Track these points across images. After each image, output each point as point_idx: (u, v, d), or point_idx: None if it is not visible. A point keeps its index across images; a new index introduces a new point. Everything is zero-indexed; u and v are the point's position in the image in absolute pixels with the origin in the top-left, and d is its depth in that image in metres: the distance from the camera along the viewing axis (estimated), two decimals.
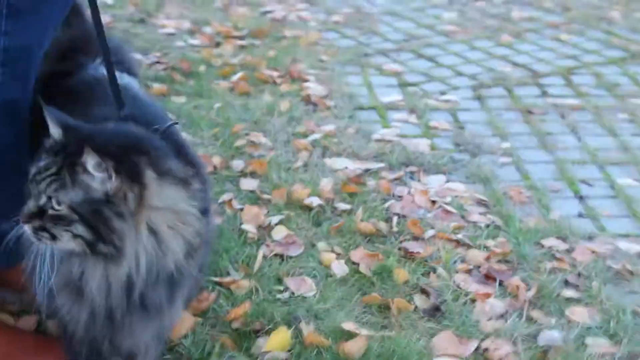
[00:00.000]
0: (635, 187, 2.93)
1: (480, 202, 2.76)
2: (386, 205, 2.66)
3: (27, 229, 1.45)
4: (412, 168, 2.93)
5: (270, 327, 2.05)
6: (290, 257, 2.35)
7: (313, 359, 1.96)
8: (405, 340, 2.05)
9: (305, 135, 3.05)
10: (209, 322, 2.03)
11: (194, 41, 3.92)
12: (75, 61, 1.93)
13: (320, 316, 2.11)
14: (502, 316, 2.22)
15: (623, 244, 2.57)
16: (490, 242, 2.52)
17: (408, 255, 2.40)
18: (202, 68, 3.55)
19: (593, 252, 2.52)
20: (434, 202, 2.73)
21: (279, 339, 2.00)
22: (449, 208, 2.69)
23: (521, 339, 2.13)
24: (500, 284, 2.34)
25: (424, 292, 2.26)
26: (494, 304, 2.25)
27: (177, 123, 1.68)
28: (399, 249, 2.44)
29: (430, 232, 2.52)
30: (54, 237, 1.44)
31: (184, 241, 1.52)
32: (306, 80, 3.53)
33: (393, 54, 4.05)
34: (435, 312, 2.19)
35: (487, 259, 2.43)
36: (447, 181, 2.89)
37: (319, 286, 2.23)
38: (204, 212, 1.58)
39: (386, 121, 3.30)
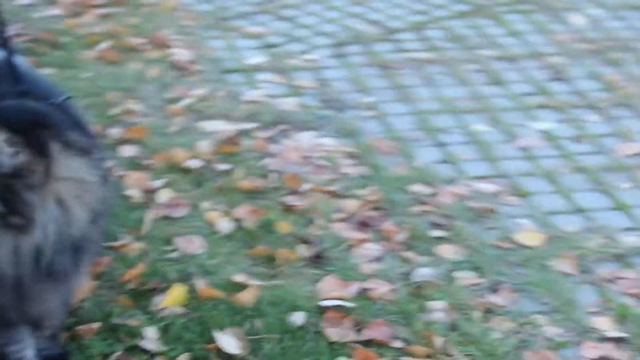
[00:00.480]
0: (488, 133, 3.18)
1: (349, 155, 2.94)
2: (263, 162, 2.79)
3: None
4: (283, 126, 3.08)
5: (164, 285, 2.17)
6: (177, 218, 2.46)
7: (209, 310, 2.07)
8: (293, 287, 2.19)
9: (177, 100, 3.15)
10: (106, 285, 2.12)
11: (53, 11, 3.91)
12: None
13: (211, 271, 2.24)
14: (378, 259, 2.41)
15: (481, 185, 2.82)
16: (362, 192, 2.70)
17: (288, 209, 2.55)
18: (66, 39, 3.56)
19: (455, 194, 2.73)
20: (307, 157, 2.88)
21: (174, 296, 2.12)
22: (321, 162, 2.86)
23: (397, 278, 2.31)
24: (375, 229, 2.52)
25: (305, 241, 2.42)
26: (371, 248, 2.44)
27: (70, 97, 1.77)
28: (279, 203, 2.58)
29: (306, 186, 2.68)
30: None
31: (88, 209, 1.62)
32: (171, 47, 3.60)
33: (252, 17, 4.17)
34: (318, 259, 2.36)
35: (360, 207, 2.61)
36: (318, 137, 3.04)
37: (206, 244, 2.34)
38: (103, 180, 1.68)
39: (253, 83, 3.43)
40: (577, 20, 4.20)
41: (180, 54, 3.53)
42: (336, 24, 4.14)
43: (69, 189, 1.54)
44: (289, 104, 3.24)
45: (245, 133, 2.96)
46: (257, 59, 3.64)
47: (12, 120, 1.49)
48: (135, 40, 3.60)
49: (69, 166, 1.54)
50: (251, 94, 3.28)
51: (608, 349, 2.11)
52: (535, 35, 4.08)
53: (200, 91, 3.22)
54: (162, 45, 3.60)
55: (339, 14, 4.23)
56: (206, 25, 3.97)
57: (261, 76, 3.50)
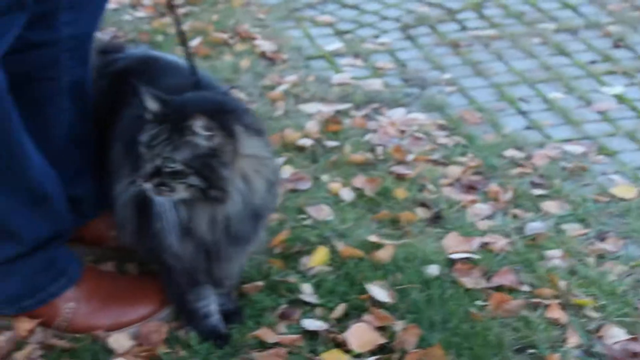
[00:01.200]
0: (564, 99, 3.41)
1: (441, 127, 3.17)
2: (366, 138, 3.03)
3: (148, 186, 1.77)
4: (375, 105, 3.31)
5: (307, 248, 2.40)
6: (303, 191, 2.70)
7: (353, 267, 2.31)
8: (421, 245, 2.43)
9: (273, 87, 3.38)
10: (257, 251, 2.36)
11: (139, 13, 4.15)
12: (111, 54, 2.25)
13: (345, 234, 2.48)
14: (490, 217, 2.64)
15: (569, 147, 3.04)
16: (462, 159, 2.93)
17: (400, 177, 2.79)
18: (160, 38, 3.80)
19: (547, 156, 2.96)
20: (403, 131, 3.12)
21: (319, 256, 2.36)
22: (418, 135, 3.09)
23: (511, 232, 2.55)
24: (481, 191, 2.75)
25: (423, 204, 2.65)
26: (481, 208, 2.67)
27: (234, 87, 2.03)
28: (390, 173, 2.82)
29: (410, 156, 2.92)
30: (172, 190, 1.76)
31: (266, 181, 1.87)
32: (255, 39, 3.84)
33: (320, 6, 4.39)
34: (436, 219, 2.59)
35: (464, 172, 2.84)
36: (408, 113, 3.27)
37: (334, 211, 2.59)
38: (273, 154, 1.94)
39: (337, 67, 3.66)
40: None
41: (265, 45, 3.76)
42: (399, 8, 4.36)
43: (250, 165, 1.80)
44: (374, 84, 3.46)
45: (342, 113, 3.19)
46: (334, 45, 3.87)
47: (206, 108, 1.74)
48: (222, 35, 3.83)
49: (250, 145, 1.79)
50: (338, 78, 3.51)
51: None
52: (588, 7, 4.29)
53: (292, 77, 3.46)
54: (247, 38, 3.83)
55: None
56: (279, 17, 4.20)
57: (342, 61, 3.72)
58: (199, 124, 1.70)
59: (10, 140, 1.83)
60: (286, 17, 4.22)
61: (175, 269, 1.96)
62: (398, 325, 2.10)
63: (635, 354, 2.08)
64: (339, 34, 4.05)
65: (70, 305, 2.02)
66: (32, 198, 1.91)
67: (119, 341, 2.02)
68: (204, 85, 1.95)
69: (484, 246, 2.45)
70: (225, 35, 3.85)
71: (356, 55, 3.78)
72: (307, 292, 2.22)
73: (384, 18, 4.25)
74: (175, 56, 2.24)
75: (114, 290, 2.08)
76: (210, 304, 2.05)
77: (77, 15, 1.95)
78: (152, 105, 1.77)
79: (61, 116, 2.06)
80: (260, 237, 1.99)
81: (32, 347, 2.00)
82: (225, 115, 1.76)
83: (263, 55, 3.67)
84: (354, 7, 4.39)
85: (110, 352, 2.02)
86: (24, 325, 2.02)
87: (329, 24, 4.15)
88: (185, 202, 1.80)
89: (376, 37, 4.01)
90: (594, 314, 2.21)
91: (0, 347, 1.97)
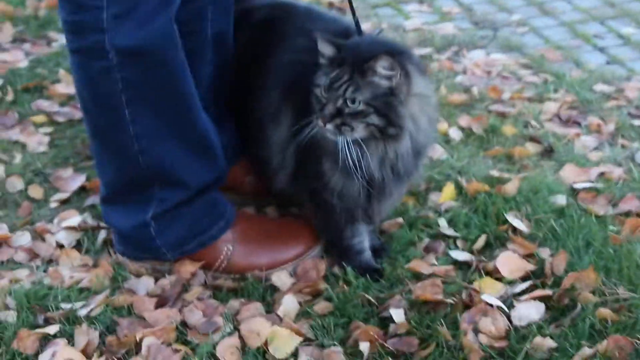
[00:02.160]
0: (637, 34, 3.46)
1: (525, 66, 3.22)
2: (457, 79, 3.08)
3: (329, 127, 1.81)
4: (454, 48, 3.36)
5: (432, 185, 2.46)
6: None
7: (482, 201, 2.37)
8: (541, 177, 2.49)
9: None
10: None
11: None
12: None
13: (465, 171, 2.53)
14: (597, 148, 2.70)
15: None
16: (555, 95, 2.98)
17: (502, 114, 2.84)
18: None
19: (637, 88, 3.02)
20: (488, 72, 3.17)
21: (448, 192, 2.42)
22: (505, 74, 3.14)
23: (623, 161, 2.61)
24: (582, 125, 2.81)
25: (532, 139, 2.71)
26: (587, 140, 2.73)
27: (381, 30, 2.07)
28: (489, 111, 2.87)
29: (506, 95, 2.97)
30: (352, 129, 1.81)
31: (429, 118, 1.92)
32: None
33: None
34: (548, 153, 2.65)
35: (560, 107, 2.90)
36: (488, 54, 3.32)
37: (447, 150, 2.64)
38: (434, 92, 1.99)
39: (405, 13, 3.69)
40: None
41: None
42: None
43: (417, 103, 1.85)
44: (447, 28, 3.51)
45: (425, 57, 3.23)
46: None
47: (385, 49, 1.79)
48: None
49: (419, 84, 1.84)
50: (410, 24, 3.55)
51: None
52: None
53: (366, 26, 3.48)
54: None
55: None
56: None
57: (408, 7, 3.76)
58: (382, 64, 1.75)
59: (183, 92, 1.88)
60: None
61: (335, 208, 2.00)
62: (544, 253, 2.14)
63: None
64: None
65: (229, 246, 2.07)
66: (199, 147, 1.97)
67: (281, 279, 2.06)
68: (357, 30, 1.99)
69: (602, 175, 2.50)
70: None
71: (421, 1, 3.81)
72: (444, 225, 2.26)
73: None
74: (310, 3, 2.27)
75: (266, 231, 2.13)
76: (364, 240, 2.11)
77: None
78: (327, 49, 1.82)
79: (205, 68, 2.09)
80: (421, 173, 2.03)
81: (200, 289, 2.03)
82: (400, 55, 1.80)
83: (331, 5, 3.68)
84: None
85: (275, 289, 2.07)
86: (187, 268, 2.06)
87: None
88: (358, 142, 1.83)
89: None
90: None
91: (166, 290, 2.00)
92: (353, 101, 1.76)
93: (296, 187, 2.07)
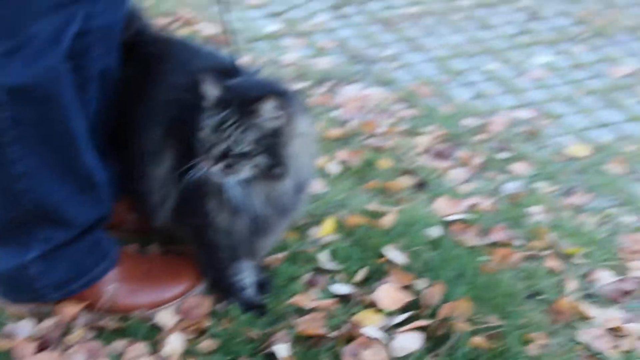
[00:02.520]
0: (500, 70, 3.66)
1: (399, 100, 3.35)
2: (334, 114, 3.18)
3: (216, 169, 1.86)
4: (330, 82, 3.46)
5: (313, 220, 2.54)
6: None
7: (361, 234, 2.47)
8: (415, 210, 2.61)
9: None
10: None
11: None
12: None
13: (344, 205, 2.62)
14: (467, 180, 2.84)
15: (518, 114, 3.29)
16: (427, 129, 3.12)
17: (377, 149, 2.95)
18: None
19: (502, 123, 3.20)
20: (363, 106, 3.29)
21: (328, 226, 2.50)
22: (379, 108, 3.27)
23: (491, 193, 2.76)
24: (453, 158, 2.95)
25: (406, 173, 2.83)
26: (457, 173, 2.87)
27: (260, 69, 2.14)
28: (366, 145, 2.98)
29: (380, 129, 3.09)
30: (238, 171, 1.87)
31: (310, 155, 2.00)
32: (195, 23, 3.91)
33: None
34: (422, 186, 2.77)
35: (432, 141, 3.04)
36: (363, 88, 3.44)
37: (326, 184, 2.72)
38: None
39: (282, 48, 3.78)
40: None
41: (207, 28, 3.83)
42: None
43: (300, 142, 1.92)
44: (323, 62, 3.61)
45: (302, 91, 3.32)
46: (272, 26, 3.99)
47: (269, 90, 1.86)
48: (162, 21, 3.87)
49: (301, 123, 1.92)
50: (287, 58, 3.63)
51: None
52: None
53: (244, 60, 3.54)
54: (189, 22, 3.89)
55: None
56: (207, 2, 4.27)
57: (284, 41, 3.85)
58: (268, 106, 1.81)
59: (72, 130, 1.88)
60: (211, 2, 4.27)
61: (219, 245, 2.05)
62: (421, 284, 2.25)
63: (626, 292, 2.32)
64: (273, 15, 4.15)
65: (112, 287, 2.08)
66: (85, 185, 1.97)
67: (165, 317, 2.09)
68: (236, 68, 2.04)
69: (472, 207, 2.63)
70: (165, 20, 3.88)
71: (296, 36, 3.90)
72: (324, 259, 2.34)
73: None
74: (186, 38, 2.31)
75: (150, 269, 2.15)
76: (247, 277, 2.16)
77: (104, 6, 2.00)
78: (212, 91, 1.86)
79: (90, 104, 2.10)
80: (301, 209, 2.10)
81: (83, 330, 2.04)
82: (284, 96, 1.87)
83: (209, 38, 3.73)
84: None
85: (159, 328, 2.09)
86: (69, 309, 2.06)
87: (261, 6, 4.25)
88: (244, 181, 1.89)
89: (310, 17, 4.14)
90: (582, 261, 2.44)
91: (49, 332, 2.00)
92: (240, 143, 1.81)
93: (178, 224, 2.09)
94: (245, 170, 1.84)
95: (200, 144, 1.85)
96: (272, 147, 1.83)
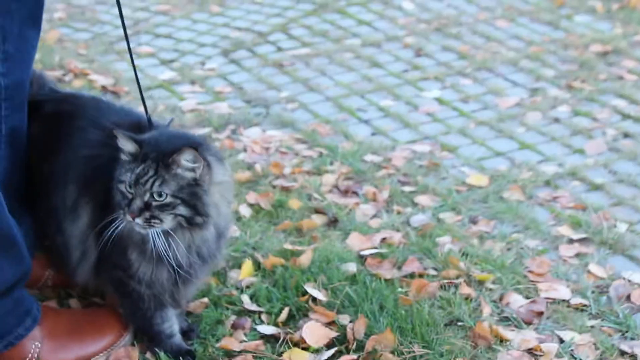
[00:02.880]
0: (395, 105, 3.78)
1: (300, 141, 3.43)
2: (239, 158, 3.22)
3: (138, 221, 1.88)
4: (231, 126, 3.51)
5: (231, 263, 2.57)
6: None
7: (281, 274, 2.51)
8: (330, 246, 2.67)
9: None
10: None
11: None
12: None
13: (259, 247, 2.66)
14: (376, 215, 2.93)
15: (417, 147, 3.41)
16: (331, 167, 3.20)
17: (286, 189, 3.01)
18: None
19: (402, 157, 3.31)
20: (267, 148, 3.35)
21: (247, 269, 2.53)
22: (282, 149, 3.33)
23: (400, 226, 2.85)
24: (359, 194, 3.04)
25: (317, 211, 2.89)
26: (366, 208, 2.95)
27: (172, 119, 2.18)
28: (274, 186, 3.04)
29: (287, 170, 3.15)
30: (161, 222, 1.89)
31: (227, 203, 2.05)
32: (88, 74, 3.90)
33: (134, 38, 4.50)
34: (334, 223, 2.84)
35: (338, 179, 3.12)
36: (263, 131, 3.50)
37: (239, 227, 2.76)
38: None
39: (178, 95, 3.81)
40: (407, 5, 4.91)
41: (101, 79, 3.83)
42: (211, 35, 4.56)
43: (218, 190, 1.97)
44: (221, 107, 3.66)
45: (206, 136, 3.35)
46: (166, 74, 4.01)
47: (185, 142, 1.90)
48: (53, 73, 3.84)
49: (218, 172, 1.97)
50: (186, 104, 3.66)
51: (578, 247, 2.75)
52: (382, 22, 4.74)
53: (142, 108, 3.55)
54: (80, 74, 3.87)
55: (208, 26, 4.66)
56: (100, 51, 4.27)
57: (180, 88, 3.88)
58: (185, 157, 1.85)
59: None
60: (106, 51, 4.29)
61: (142, 296, 2.06)
62: (344, 319, 2.30)
63: (539, 313, 2.43)
64: (165, 63, 4.18)
65: (37, 344, 2.05)
66: (4, 244, 1.95)
67: None
68: (150, 121, 2.07)
69: (384, 241, 2.71)
70: (57, 73, 3.85)
71: (192, 82, 3.94)
72: (247, 302, 2.37)
73: (202, 45, 4.43)
74: (88, 93, 2.33)
75: (73, 324, 2.13)
76: (173, 324, 2.17)
77: (11, 64, 2.00)
78: (128, 146, 1.89)
79: (0, 164, 2.08)
80: (223, 254, 2.13)
81: None
82: (200, 147, 1.91)
83: (105, 89, 3.72)
84: (168, 36, 4.53)
85: None
86: None
87: (151, 55, 4.26)
88: (166, 232, 1.91)
89: (203, 63, 4.19)
90: (494, 286, 2.54)
91: None
92: (160, 195, 1.84)
93: (100, 278, 2.09)
94: (168, 221, 1.86)
95: (120, 198, 1.86)
96: (192, 197, 1.87)
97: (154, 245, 1.87)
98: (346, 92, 3.84)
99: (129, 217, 1.84)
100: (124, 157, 1.88)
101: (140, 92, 2.01)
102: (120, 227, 1.87)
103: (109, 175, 1.93)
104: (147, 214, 1.84)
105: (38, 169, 2.15)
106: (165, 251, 1.89)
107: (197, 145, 1.87)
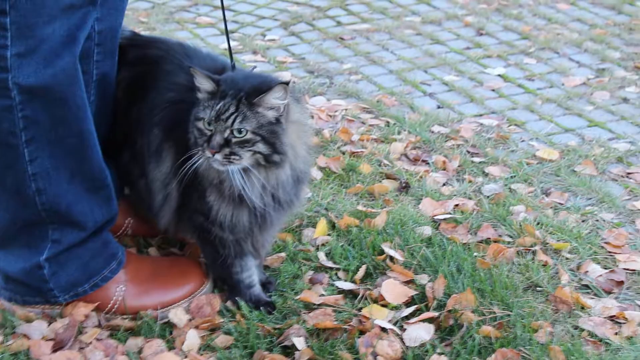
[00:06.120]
0: (459, 81, 3.74)
1: (366, 110, 3.39)
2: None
3: (218, 157, 1.85)
4: (296, 95, 3.47)
5: (305, 222, 2.54)
6: None
7: (355, 234, 2.48)
8: (404, 210, 2.63)
9: None
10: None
11: None
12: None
13: (332, 208, 2.63)
14: (446, 183, 2.89)
15: (484, 121, 3.36)
16: (398, 136, 3.16)
17: (355, 154, 2.98)
18: None
19: (470, 129, 3.26)
20: (333, 116, 3.31)
21: (321, 228, 2.50)
22: (349, 117, 3.30)
23: (473, 194, 2.81)
24: (429, 162, 3.00)
25: (388, 177, 2.86)
26: (437, 176, 2.91)
27: (255, 67, 2.15)
28: (343, 152, 3.01)
29: (355, 137, 3.12)
30: (240, 158, 1.86)
31: (305, 145, 2.02)
32: None
33: (193, 9, 4.48)
34: (405, 188, 2.81)
35: (406, 147, 3.08)
36: (328, 100, 3.47)
37: (310, 189, 2.73)
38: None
39: (241, 63, 3.78)
40: None
41: None
42: (270, 8, 4.54)
43: (294, 130, 1.94)
44: (284, 76, 3.62)
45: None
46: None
47: (279, 80, 1.87)
48: None
49: (296, 111, 1.94)
50: None
51: None
52: (440, 1, 4.70)
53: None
54: None
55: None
56: (160, 20, 4.25)
57: (243, 57, 3.85)
58: (276, 95, 1.82)
59: (83, 131, 1.85)
60: (167, 20, 4.27)
61: (223, 241, 2.03)
62: (422, 279, 2.27)
63: (619, 283, 2.38)
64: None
65: (122, 287, 2.04)
66: (95, 187, 1.94)
67: (178, 315, 2.05)
68: (228, 66, 2.05)
69: (457, 207, 2.67)
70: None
71: (254, 52, 3.91)
72: (323, 258, 2.34)
73: (261, 17, 4.41)
74: (176, 39, 2.31)
75: (156, 271, 2.11)
76: (253, 274, 2.14)
77: (106, 10, 1.98)
78: (206, 84, 1.86)
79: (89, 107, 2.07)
80: (301, 201, 2.10)
81: (96, 330, 1.99)
82: (288, 84, 1.88)
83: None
84: (227, 8, 4.50)
85: (171, 326, 2.05)
86: (80, 310, 2.01)
87: (211, 24, 4.24)
88: (242, 170, 1.88)
89: (263, 35, 4.16)
90: (570, 255, 2.49)
91: (60, 333, 1.94)
92: (240, 131, 1.82)
93: (182, 224, 2.07)
94: (246, 158, 1.83)
95: (197, 135, 1.84)
96: (271, 134, 1.85)
97: (233, 180, 1.83)
98: (409, 67, 3.80)
99: (208, 153, 1.82)
100: (200, 95, 1.86)
101: (228, 40, 1.98)
102: (197, 163, 1.84)
103: (190, 115, 1.91)
104: (227, 150, 1.82)
105: (126, 114, 2.13)
106: (244, 190, 1.85)
107: (286, 84, 1.83)
